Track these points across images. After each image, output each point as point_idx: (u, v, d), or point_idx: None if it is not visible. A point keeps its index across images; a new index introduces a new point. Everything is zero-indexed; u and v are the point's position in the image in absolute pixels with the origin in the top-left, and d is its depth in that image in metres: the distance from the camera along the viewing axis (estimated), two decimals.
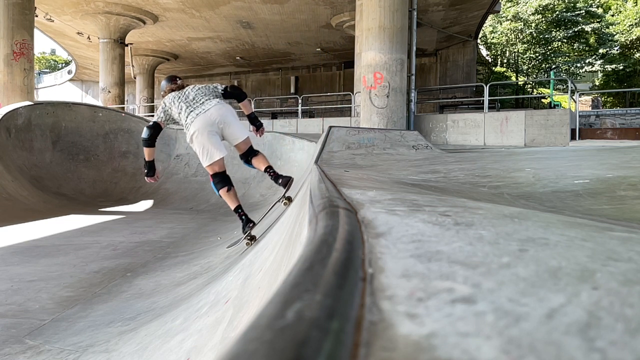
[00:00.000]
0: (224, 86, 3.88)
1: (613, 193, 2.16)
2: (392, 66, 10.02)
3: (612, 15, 27.28)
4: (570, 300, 0.41)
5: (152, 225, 6.42)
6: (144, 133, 3.66)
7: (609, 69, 25.29)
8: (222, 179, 3.67)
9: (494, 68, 29.20)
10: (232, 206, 3.67)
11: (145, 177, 3.79)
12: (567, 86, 17.28)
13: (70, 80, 30.90)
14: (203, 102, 3.63)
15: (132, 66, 22.20)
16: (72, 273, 4.11)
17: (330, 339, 0.32)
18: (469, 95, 20.87)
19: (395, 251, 0.59)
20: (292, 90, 25.60)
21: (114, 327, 2.93)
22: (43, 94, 31.21)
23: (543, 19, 26.65)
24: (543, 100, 24.92)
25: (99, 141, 9.63)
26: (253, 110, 4.03)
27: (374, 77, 10.10)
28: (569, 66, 26.71)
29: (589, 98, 26.03)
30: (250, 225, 3.54)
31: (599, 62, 25.66)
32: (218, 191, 3.69)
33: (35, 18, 13.59)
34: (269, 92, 26.36)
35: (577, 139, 10.15)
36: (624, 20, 25.74)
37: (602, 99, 25.85)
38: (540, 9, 26.42)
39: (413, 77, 11.52)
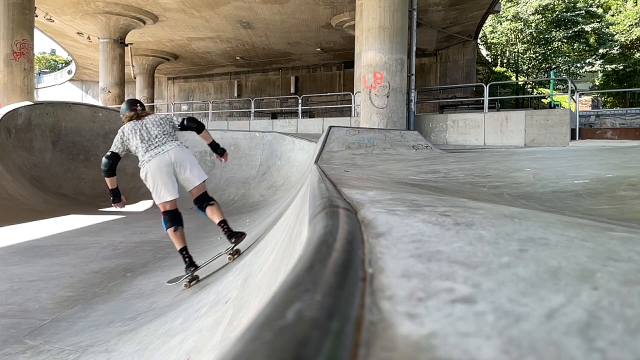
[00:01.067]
0: (180, 119, 3.79)
1: (613, 193, 2.16)
2: (392, 66, 10.02)
3: (612, 15, 27.28)
4: (570, 300, 0.41)
5: (152, 225, 6.42)
6: (103, 164, 3.58)
7: (609, 69, 25.29)
8: (172, 217, 3.57)
9: (494, 68, 29.20)
10: (178, 247, 3.56)
11: (112, 204, 3.71)
12: (567, 86, 17.28)
13: (70, 80, 30.91)
14: (164, 143, 3.56)
15: (132, 66, 22.20)
16: (72, 273, 4.11)
17: (330, 339, 0.32)
18: (469, 95, 20.87)
19: (395, 251, 0.59)
20: (292, 90, 25.60)
21: (114, 327, 2.93)
22: (43, 94, 31.21)
23: (543, 19, 26.65)
24: (543, 100, 24.93)
25: (99, 141, 9.63)
26: (213, 138, 3.92)
27: (374, 77, 10.10)
28: (569, 66, 26.71)
29: (589, 98, 26.04)
30: (192, 269, 3.45)
31: (599, 62, 25.66)
32: (166, 229, 3.61)
33: (35, 18, 13.60)
34: (269, 92, 26.36)
35: (577, 139, 10.15)
36: (624, 20, 25.74)
37: (602, 99, 25.85)
38: (540, 9, 26.42)
39: (413, 77, 11.52)
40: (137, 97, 23.61)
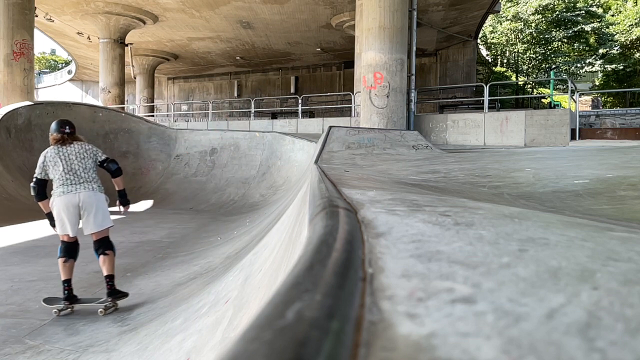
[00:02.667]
0: (104, 157, 3.75)
1: (613, 193, 2.16)
2: (392, 66, 10.03)
3: (612, 16, 27.28)
4: (570, 300, 0.41)
5: (152, 225, 6.42)
6: (31, 191, 3.59)
7: (609, 69, 25.29)
8: (67, 248, 3.57)
9: (494, 68, 29.20)
10: (62, 277, 3.51)
11: (52, 228, 3.67)
12: (567, 86, 17.29)
13: (70, 80, 30.92)
14: (79, 182, 3.53)
15: (132, 66, 22.21)
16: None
17: (330, 339, 0.32)
18: (469, 95, 20.87)
19: (395, 251, 0.59)
20: (292, 90, 25.60)
21: (114, 327, 2.93)
22: (43, 94, 31.22)
23: (543, 19, 26.65)
24: (543, 100, 24.93)
25: (99, 141, 9.63)
26: (124, 187, 3.84)
27: (374, 77, 10.10)
28: (569, 66, 26.71)
29: (589, 98, 26.04)
30: (66, 303, 3.39)
31: (599, 62, 25.66)
32: (58, 256, 3.57)
33: (35, 18, 13.60)
34: (269, 92, 26.37)
35: (577, 139, 10.15)
36: (624, 20, 25.74)
37: (602, 99, 25.85)
38: (540, 9, 26.42)
39: (413, 77, 11.52)
40: (137, 97, 23.65)
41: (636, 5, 25.77)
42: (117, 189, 3.85)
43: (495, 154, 7.00)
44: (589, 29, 25.83)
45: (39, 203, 3.62)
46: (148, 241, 5.41)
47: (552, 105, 21.11)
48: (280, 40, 20.88)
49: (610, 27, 26.33)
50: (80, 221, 3.57)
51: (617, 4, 27.76)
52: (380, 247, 0.61)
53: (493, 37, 29.65)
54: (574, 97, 11.43)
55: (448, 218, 0.86)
